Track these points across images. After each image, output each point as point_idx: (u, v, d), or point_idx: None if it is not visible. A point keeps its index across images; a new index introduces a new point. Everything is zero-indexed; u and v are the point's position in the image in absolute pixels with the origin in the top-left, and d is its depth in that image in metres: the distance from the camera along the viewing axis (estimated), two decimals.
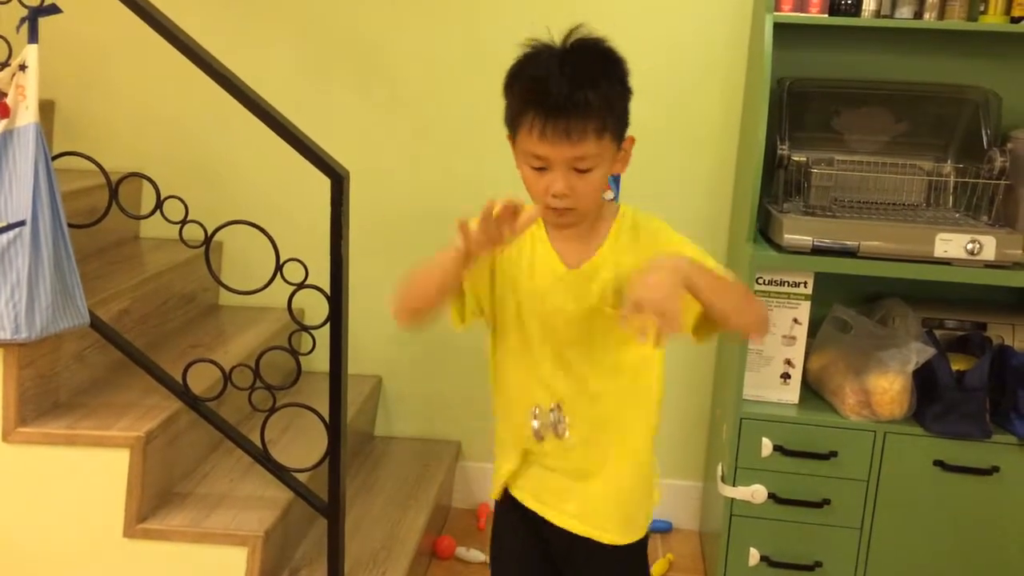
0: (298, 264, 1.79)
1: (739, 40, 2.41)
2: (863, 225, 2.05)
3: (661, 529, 2.63)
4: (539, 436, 1.37)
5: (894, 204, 2.24)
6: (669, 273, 1.18)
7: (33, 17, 1.71)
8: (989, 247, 1.98)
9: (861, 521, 2.10)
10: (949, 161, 2.25)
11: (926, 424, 2.06)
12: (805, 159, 2.19)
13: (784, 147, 2.19)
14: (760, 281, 2.11)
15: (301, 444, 2.10)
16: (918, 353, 2.02)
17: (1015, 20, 2.06)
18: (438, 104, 2.54)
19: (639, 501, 1.47)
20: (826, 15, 2.09)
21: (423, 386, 2.70)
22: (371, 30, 2.52)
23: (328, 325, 1.79)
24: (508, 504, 1.50)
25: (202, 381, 1.91)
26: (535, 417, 1.37)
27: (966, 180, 2.16)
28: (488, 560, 1.70)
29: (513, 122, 1.29)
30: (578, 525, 1.44)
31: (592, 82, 1.23)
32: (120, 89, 2.60)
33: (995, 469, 2.04)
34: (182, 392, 1.89)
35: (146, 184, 1.85)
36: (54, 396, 1.90)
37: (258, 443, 1.91)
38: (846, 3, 2.09)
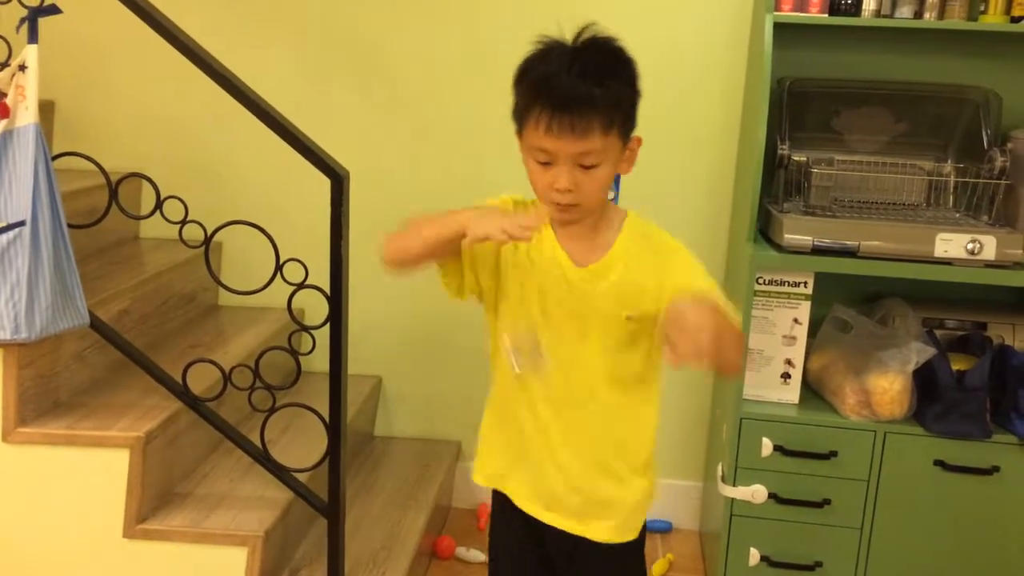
0: (298, 264, 1.79)
1: (739, 40, 2.41)
2: (863, 225, 2.05)
3: (661, 529, 2.63)
4: (517, 363, 1.32)
5: (894, 204, 2.24)
6: (709, 315, 1.17)
7: (33, 17, 1.71)
8: (989, 247, 1.98)
9: (861, 521, 2.10)
10: (949, 161, 2.25)
11: (926, 424, 2.06)
12: (805, 159, 2.19)
13: (784, 147, 2.18)
14: (760, 281, 2.11)
15: (301, 444, 2.10)
16: (918, 353, 2.02)
17: (1015, 20, 2.06)
18: (438, 104, 2.54)
19: (635, 500, 1.47)
20: (826, 15, 2.09)
21: (423, 386, 2.70)
22: (371, 30, 2.52)
23: (328, 325, 1.79)
24: (504, 505, 1.50)
25: (202, 381, 1.91)
26: (511, 341, 1.33)
27: (966, 180, 2.16)
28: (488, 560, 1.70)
29: (521, 116, 1.30)
30: (575, 525, 1.44)
31: (600, 79, 1.24)
32: (120, 89, 2.60)
33: (995, 469, 2.03)
34: (182, 392, 1.89)
35: (146, 184, 1.86)
36: (54, 396, 1.90)
37: (258, 443, 1.91)
38: (846, 3, 2.09)
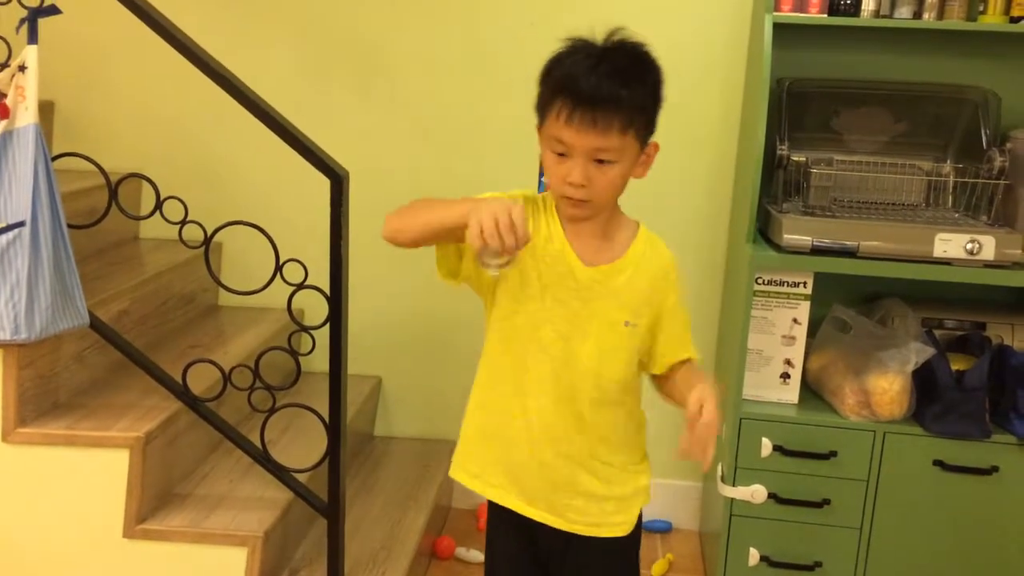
0: (298, 264, 1.79)
1: (739, 40, 2.41)
2: (862, 225, 2.05)
3: (661, 529, 2.63)
4: (492, 263, 1.24)
5: (893, 204, 2.24)
6: (718, 407, 1.26)
7: (33, 18, 1.71)
8: (988, 247, 1.98)
9: (861, 521, 2.10)
10: (948, 161, 2.25)
11: (926, 424, 2.06)
12: (804, 159, 2.20)
13: (783, 147, 2.19)
14: (759, 281, 2.11)
15: (301, 444, 2.10)
16: (917, 353, 2.02)
17: (1014, 20, 2.06)
18: (438, 104, 2.54)
19: (622, 496, 1.47)
20: (825, 15, 2.09)
21: (423, 386, 2.70)
22: (371, 30, 2.52)
23: (328, 325, 1.79)
24: (499, 506, 1.50)
25: (202, 381, 1.91)
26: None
27: (965, 180, 2.16)
28: None
29: (543, 108, 1.31)
30: (559, 521, 1.44)
31: (626, 81, 1.26)
32: (120, 90, 2.60)
33: (995, 469, 2.04)
34: (182, 393, 1.89)
35: (146, 185, 1.86)
36: (54, 397, 1.90)
37: (258, 443, 1.91)
38: (845, 3, 2.09)
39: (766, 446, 2.09)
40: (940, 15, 2.09)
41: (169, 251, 2.43)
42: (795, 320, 2.13)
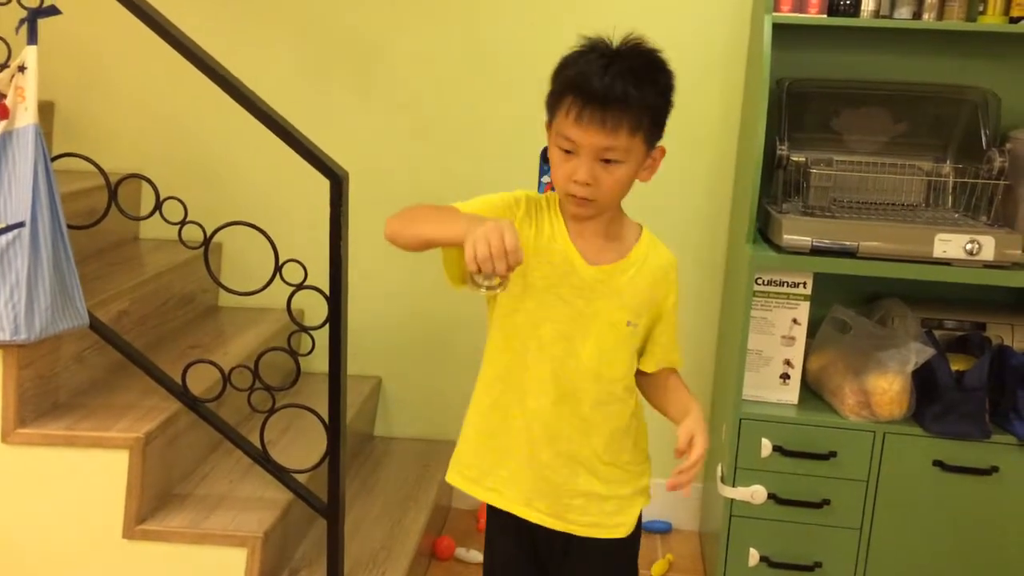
0: (297, 265, 1.79)
1: (738, 40, 2.41)
2: (862, 225, 2.05)
3: (661, 530, 2.63)
4: (482, 283, 1.23)
5: (893, 204, 2.24)
6: (707, 437, 1.40)
7: (32, 18, 1.71)
8: (988, 247, 1.98)
9: (861, 521, 2.10)
10: (948, 161, 2.25)
11: (925, 424, 2.06)
12: (804, 159, 2.20)
13: (783, 147, 2.19)
14: (759, 281, 2.11)
15: (301, 445, 2.10)
16: (917, 353, 2.02)
17: (1014, 20, 2.06)
18: (437, 104, 2.54)
19: (621, 497, 1.47)
20: (825, 15, 2.09)
21: (423, 387, 2.70)
22: (370, 31, 2.52)
23: (327, 326, 1.79)
24: (498, 509, 1.49)
25: (201, 382, 1.91)
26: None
27: (965, 180, 2.16)
28: None
29: (553, 105, 1.32)
30: (557, 522, 1.44)
31: (637, 82, 1.27)
32: (119, 90, 2.60)
33: (994, 469, 2.04)
34: (181, 393, 1.89)
35: (145, 185, 1.85)
36: (53, 397, 1.90)
37: (257, 444, 1.91)
38: (845, 3, 2.09)
39: (766, 446, 2.09)
40: (940, 15, 2.09)
41: (169, 251, 2.43)
42: (795, 320, 2.13)
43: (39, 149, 1.70)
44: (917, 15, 2.10)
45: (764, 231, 2.19)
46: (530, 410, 1.40)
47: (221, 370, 1.88)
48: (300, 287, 1.79)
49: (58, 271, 1.74)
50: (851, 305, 2.28)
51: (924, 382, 2.06)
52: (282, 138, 1.76)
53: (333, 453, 1.84)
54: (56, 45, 2.19)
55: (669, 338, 1.48)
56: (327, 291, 1.78)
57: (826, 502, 2.09)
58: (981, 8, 2.09)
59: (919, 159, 2.26)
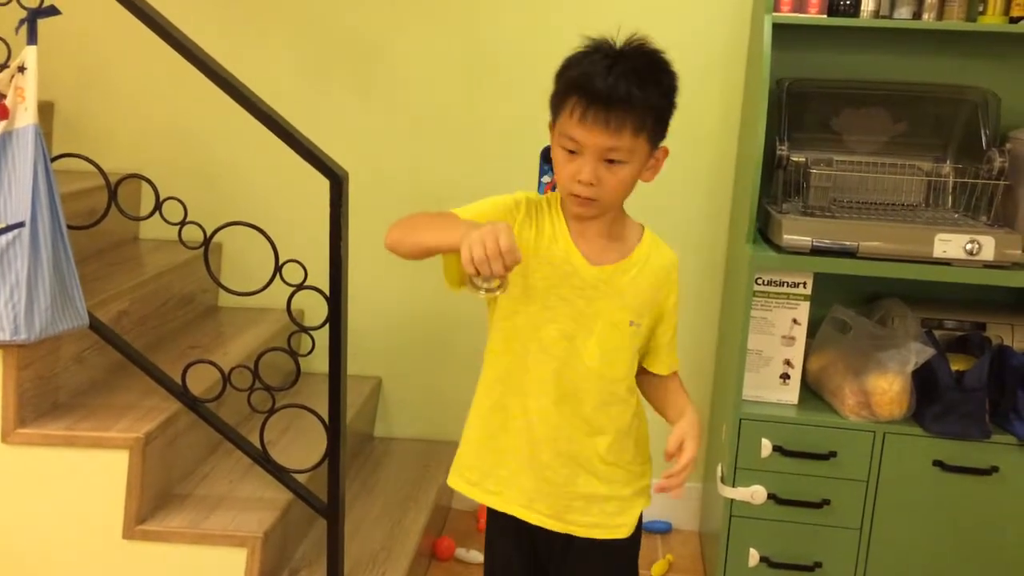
0: (297, 265, 1.79)
1: (738, 40, 2.41)
2: (862, 225, 2.05)
3: (661, 530, 2.63)
4: (481, 286, 1.23)
5: (893, 204, 2.24)
6: (698, 441, 1.40)
7: (32, 19, 1.71)
8: (988, 247, 1.98)
9: (861, 521, 2.10)
10: (948, 161, 2.25)
11: (925, 424, 2.06)
12: (804, 159, 2.20)
13: (783, 147, 2.19)
14: (759, 281, 2.11)
15: (301, 445, 2.10)
16: (917, 353, 2.02)
17: (1014, 20, 2.06)
18: (437, 105, 2.54)
19: (622, 497, 1.47)
20: (825, 15, 2.09)
21: (423, 387, 2.70)
22: (370, 31, 2.52)
23: (327, 326, 1.79)
24: (498, 511, 1.49)
25: (201, 382, 1.91)
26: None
27: (965, 180, 2.16)
28: None
29: (557, 105, 1.33)
30: (556, 524, 1.44)
31: (641, 82, 1.27)
32: (119, 91, 2.60)
33: (994, 469, 2.04)
34: (181, 393, 1.89)
35: (145, 185, 1.85)
36: (53, 397, 1.90)
37: (257, 444, 1.91)
38: (845, 3, 2.09)
39: (766, 447, 2.08)
40: (939, 15, 2.09)
41: (169, 252, 2.43)
42: (795, 320, 2.13)
43: (39, 149, 1.70)
44: (917, 15, 2.10)
45: (764, 231, 2.19)
46: (531, 411, 1.40)
47: (221, 370, 1.88)
48: (300, 287, 1.79)
49: (58, 271, 1.74)
50: (851, 305, 2.28)
51: (924, 382, 2.06)
52: (282, 138, 1.76)
53: (333, 453, 1.84)
54: (56, 45, 2.19)
55: (672, 339, 1.49)
56: (327, 291, 1.78)
57: (826, 502, 2.09)
58: (981, 8, 2.09)
59: (919, 159, 2.26)
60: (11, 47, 1.78)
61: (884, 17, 2.10)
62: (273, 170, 2.54)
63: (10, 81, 1.71)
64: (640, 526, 1.52)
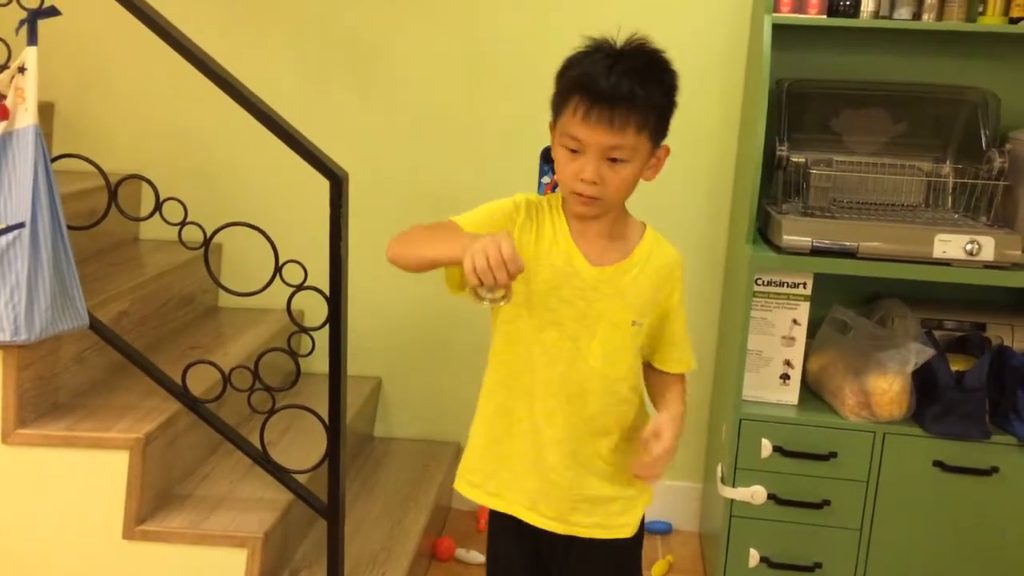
0: (297, 266, 1.79)
1: (738, 41, 2.41)
2: (862, 226, 2.05)
3: (661, 530, 2.63)
4: (485, 295, 1.24)
5: (893, 205, 2.24)
6: (672, 450, 1.37)
7: (32, 19, 1.71)
8: (988, 248, 1.98)
9: (861, 522, 2.10)
10: (948, 162, 2.25)
11: (925, 425, 2.06)
12: (804, 160, 2.20)
13: (783, 148, 2.19)
14: (759, 282, 2.11)
15: (301, 445, 2.10)
16: (917, 354, 2.03)
17: (1013, 21, 2.06)
18: (437, 105, 2.54)
19: (626, 497, 1.47)
20: (825, 16, 2.09)
21: (423, 387, 2.70)
22: (370, 32, 2.53)
23: (327, 326, 1.79)
24: (501, 512, 1.49)
25: (201, 383, 1.91)
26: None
27: (965, 181, 2.16)
28: None
29: (559, 105, 1.33)
30: (560, 526, 1.44)
31: (643, 81, 1.28)
32: (119, 91, 2.60)
33: (995, 470, 2.04)
34: (181, 394, 1.89)
35: (145, 186, 1.86)
36: (53, 398, 1.90)
37: (257, 445, 1.91)
38: (845, 4, 2.09)
39: (766, 447, 2.09)
40: (939, 16, 2.09)
41: (169, 252, 2.43)
42: (795, 321, 2.13)
43: (39, 150, 1.70)
44: (917, 16, 2.10)
45: (764, 231, 2.20)
46: (536, 413, 1.40)
47: (221, 371, 1.88)
48: (300, 288, 1.79)
49: (58, 272, 1.74)
50: (851, 305, 2.28)
51: (924, 382, 2.06)
52: (282, 139, 1.76)
53: (333, 454, 1.84)
54: (56, 46, 2.18)
55: (683, 337, 1.48)
56: (327, 292, 1.78)
57: (826, 502, 2.09)
58: (981, 9, 2.10)
59: (919, 159, 2.26)
60: (11, 48, 1.78)
61: (884, 17, 2.10)
62: (273, 170, 2.54)
63: (10, 82, 1.71)
64: (643, 526, 1.52)
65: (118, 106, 2.60)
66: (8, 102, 1.71)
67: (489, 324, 1.45)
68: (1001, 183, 2.09)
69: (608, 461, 1.43)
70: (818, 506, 2.09)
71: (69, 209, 1.80)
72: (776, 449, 2.09)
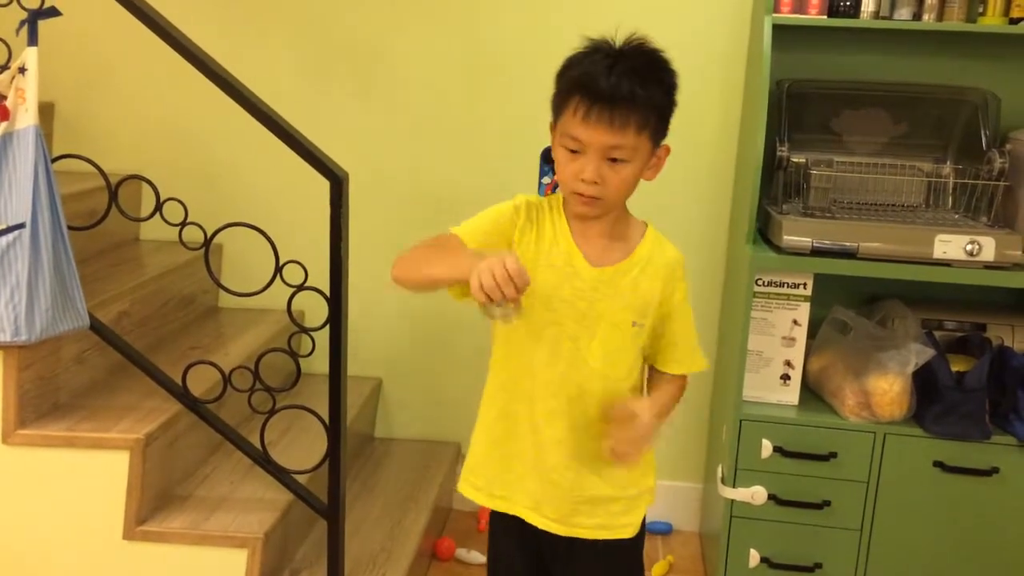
0: (298, 266, 1.79)
1: (738, 41, 2.41)
2: (862, 226, 2.05)
3: (661, 531, 2.63)
4: (494, 313, 1.24)
5: (893, 205, 2.24)
6: (648, 430, 1.35)
7: (33, 20, 1.71)
8: (988, 248, 1.98)
9: (861, 522, 2.10)
10: (948, 162, 2.25)
11: (926, 425, 2.06)
12: (804, 160, 2.19)
13: (783, 148, 2.19)
14: (759, 282, 2.11)
15: (301, 446, 2.10)
16: (918, 354, 2.02)
17: (1014, 21, 2.06)
18: (437, 105, 2.54)
19: (628, 497, 1.47)
20: (825, 16, 2.09)
21: (423, 387, 2.70)
22: (371, 32, 2.53)
23: (328, 327, 1.79)
24: (502, 512, 1.49)
25: (202, 383, 1.91)
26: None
27: (965, 181, 2.16)
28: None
29: (559, 105, 1.33)
30: (562, 528, 1.44)
31: (643, 81, 1.28)
32: (120, 91, 2.60)
33: (995, 470, 2.04)
34: (182, 394, 1.89)
35: (146, 186, 1.86)
36: (54, 398, 1.90)
37: (258, 445, 1.91)
38: (845, 4, 2.09)
39: (766, 447, 2.09)
40: (940, 16, 2.09)
41: (169, 253, 2.43)
42: (795, 321, 2.13)
43: (39, 150, 1.70)
44: (917, 16, 2.10)
45: (764, 232, 2.20)
46: (537, 415, 1.40)
47: (221, 371, 1.89)
48: (300, 288, 1.79)
49: (58, 272, 1.74)
50: (851, 306, 2.28)
51: (924, 383, 2.06)
52: (282, 139, 1.76)
53: (333, 454, 1.84)
54: (56, 46, 2.19)
55: (686, 338, 1.46)
56: (327, 292, 1.78)
57: (826, 503, 2.09)
58: (981, 9, 2.10)
59: (919, 160, 2.26)
60: (12, 48, 1.78)
61: (884, 18, 2.10)
62: (273, 171, 2.54)
63: (11, 82, 1.71)
64: (644, 526, 1.51)
65: (118, 106, 2.60)
66: (8, 103, 1.71)
67: (489, 326, 1.45)
68: (1001, 183, 2.08)
69: (609, 463, 1.43)
70: (818, 506, 2.09)
71: (69, 209, 1.80)
72: (776, 449, 2.09)
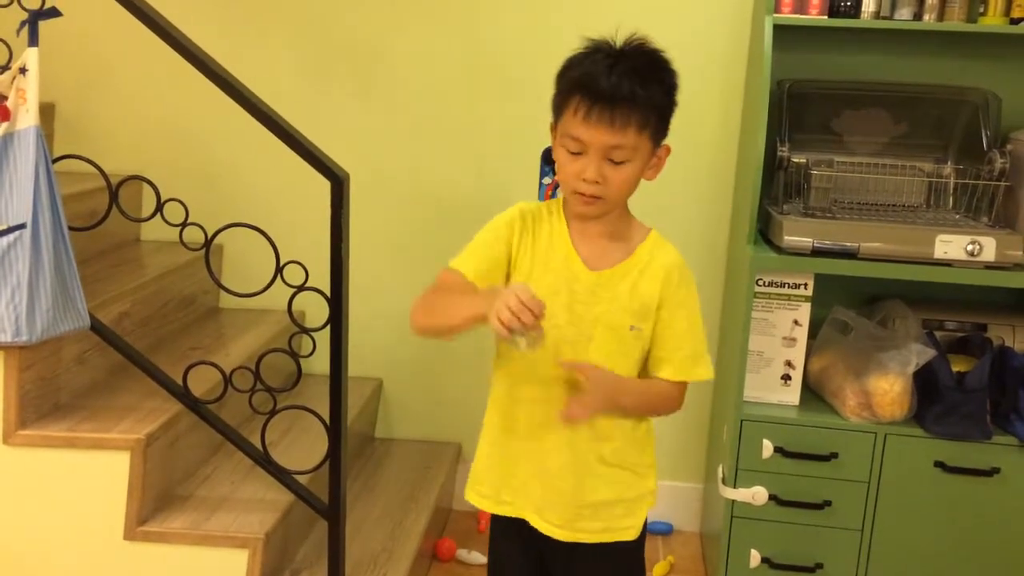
0: (298, 266, 1.79)
1: (739, 42, 2.41)
2: (863, 226, 2.05)
3: (662, 531, 2.63)
4: (520, 342, 1.26)
5: (894, 205, 2.24)
6: (603, 396, 1.35)
7: (33, 20, 1.71)
8: (989, 248, 1.98)
9: (862, 522, 2.10)
10: (949, 162, 2.25)
11: (927, 425, 2.06)
12: (805, 161, 2.19)
13: (784, 149, 2.19)
14: (760, 283, 2.11)
15: (302, 446, 2.10)
16: (918, 354, 2.02)
17: (1014, 21, 2.06)
18: (437, 105, 2.54)
19: (636, 499, 1.47)
20: (826, 17, 2.09)
21: (424, 388, 2.70)
22: (371, 33, 2.53)
23: (328, 327, 1.79)
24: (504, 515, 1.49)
25: (202, 383, 1.91)
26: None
27: (966, 181, 2.16)
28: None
29: (560, 106, 1.34)
30: (565, 533, 1.44)
31: (643, 80, 1.29)
32: (120, 92, 2.60)
33: (996, 470, 2.03)
34: (183, 394, 1.89)
35: (146, 187, 1.85)
36: (54, 398, 1.90)
37: (259, 445, 1.91)
38: (845, 5, 2.09)
39: (767, 448, 2.08)
40: (940, 16, 2.09)
41: (170, 253, 2.43)
42: (796, 322, 2.13)
43: (40, 151, 1.70)
44: (918, 16, 2.10)
45: (765, 232, 2.19)
46: (537, 420, 1.40)
47: (222, 371, 1.88)
48: (301, 288, 1.79)
49: (59, 273, 1.74)
50: (852, 306, 2.28)
51: (925, 383, 2.06)
52: (283, 139, 1.76)
53: (334, 454, 1.84)
54: (57, 47, 2.18)
55: (682, 343, 1.42)
56: (328, 292, 1.78)
57: (827, 503, 2.09)
58: (982, 9, 2.10)
59: (920, 160, 2.26)
60: (12, 49, 1.78)
61: (885, 18, 2.10)
62: (274, 171, 2.54)
63: (11, 83, 1.71)
64: (645, 528, 1.51)
65: (119, 107, 2.60)
66: (9, 103, 1.71)
67: (490, 330, 1.45)
68: (1002, 184, 2.08)
69: (610, 464, 1.43)
70: (819, 507, 2.09)
71: (70, 210, 1.80)
72: (777, 450, 2.09)
